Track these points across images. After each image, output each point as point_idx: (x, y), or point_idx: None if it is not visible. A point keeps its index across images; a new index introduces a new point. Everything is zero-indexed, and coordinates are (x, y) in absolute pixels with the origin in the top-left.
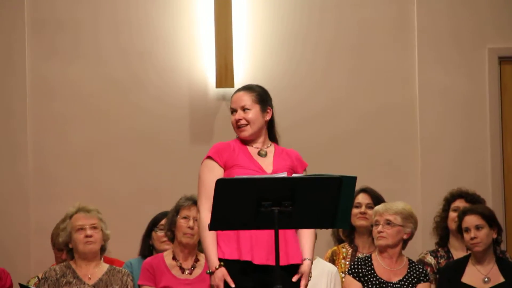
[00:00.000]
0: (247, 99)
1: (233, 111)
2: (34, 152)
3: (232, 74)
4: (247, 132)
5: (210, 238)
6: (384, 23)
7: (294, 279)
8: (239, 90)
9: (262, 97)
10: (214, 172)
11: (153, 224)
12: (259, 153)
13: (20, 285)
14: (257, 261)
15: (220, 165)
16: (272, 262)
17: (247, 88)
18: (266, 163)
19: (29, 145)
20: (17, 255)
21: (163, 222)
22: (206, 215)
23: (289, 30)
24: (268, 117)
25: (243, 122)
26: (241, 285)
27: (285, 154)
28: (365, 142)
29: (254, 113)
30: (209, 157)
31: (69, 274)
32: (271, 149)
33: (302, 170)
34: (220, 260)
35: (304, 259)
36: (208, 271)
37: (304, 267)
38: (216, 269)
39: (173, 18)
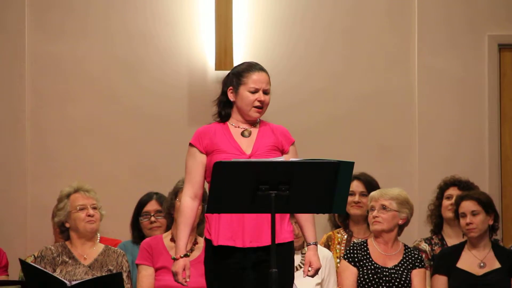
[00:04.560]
0: (269, 83)
1: (255, 91)
2: (33, 129)
3: (231, 57)
4: (261, 114)
5: (183, 225)
6: (384, 6)
7: (305, 271)
8: (261, 69)
9: None
10: (195, 158)
11: (138, 211)
12: (242, 134)
13: (20, 260)
14: (239, 244)
15: (201, 151)
16: (251, 244)
17: (265, 70)
18: (247, 144)
19: (28, 122)
20: (13, 232)
21: (147, 208)
22: (185, 200)
23: (289, 12)
24: None
25: (263, 104)
26: (227, 267)
27: (269, 132)
28: (363, 126)
29: (269, 98)
30: (190, 144)
31: (65, 254)
32: (256, 127)
33: (289, 145)
34: (206, 239)
35: (308, 245)
36: (173, 257)
37: (309, 255)
38: (181, 257)
39: (174, 1)
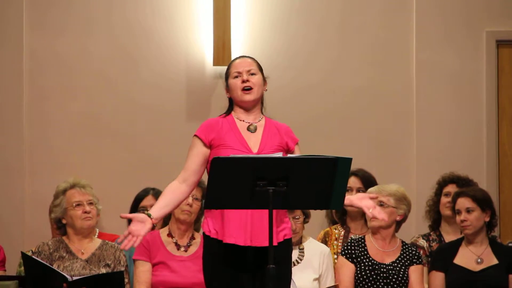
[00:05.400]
0: (253, 64)
1: (238, 75)
2: (31, 123)
3: (229, 52)
4: (253, 95)
5: (162, 195)
6: (382, 1)
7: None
8: (241, 57)
9: (261, 67)
10: (196, 149)
11: (135, 206)
12: (248, 129)
13: (22, 253)
14: (241, 243)
15: (205, 144)
16: (253, 243)
17: (249, 57)
18: (254, 141)
19: (25, 116)
20: (11, 227)
21: (143, 204)
22: (173, 182)
23: (286, 8)
24: (265, 88)
25: (250, 84)
26: (228, 264)
27: (274, 130)
28: (360, 122)
29: (259, 78)
30: (195, 135)
31: (62, 249)
32: (261, 123)
33: (294, 144)
34: (205, 236)
35: (348, 197)
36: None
37: (360, 198)
38: (144, 213)
39: None
